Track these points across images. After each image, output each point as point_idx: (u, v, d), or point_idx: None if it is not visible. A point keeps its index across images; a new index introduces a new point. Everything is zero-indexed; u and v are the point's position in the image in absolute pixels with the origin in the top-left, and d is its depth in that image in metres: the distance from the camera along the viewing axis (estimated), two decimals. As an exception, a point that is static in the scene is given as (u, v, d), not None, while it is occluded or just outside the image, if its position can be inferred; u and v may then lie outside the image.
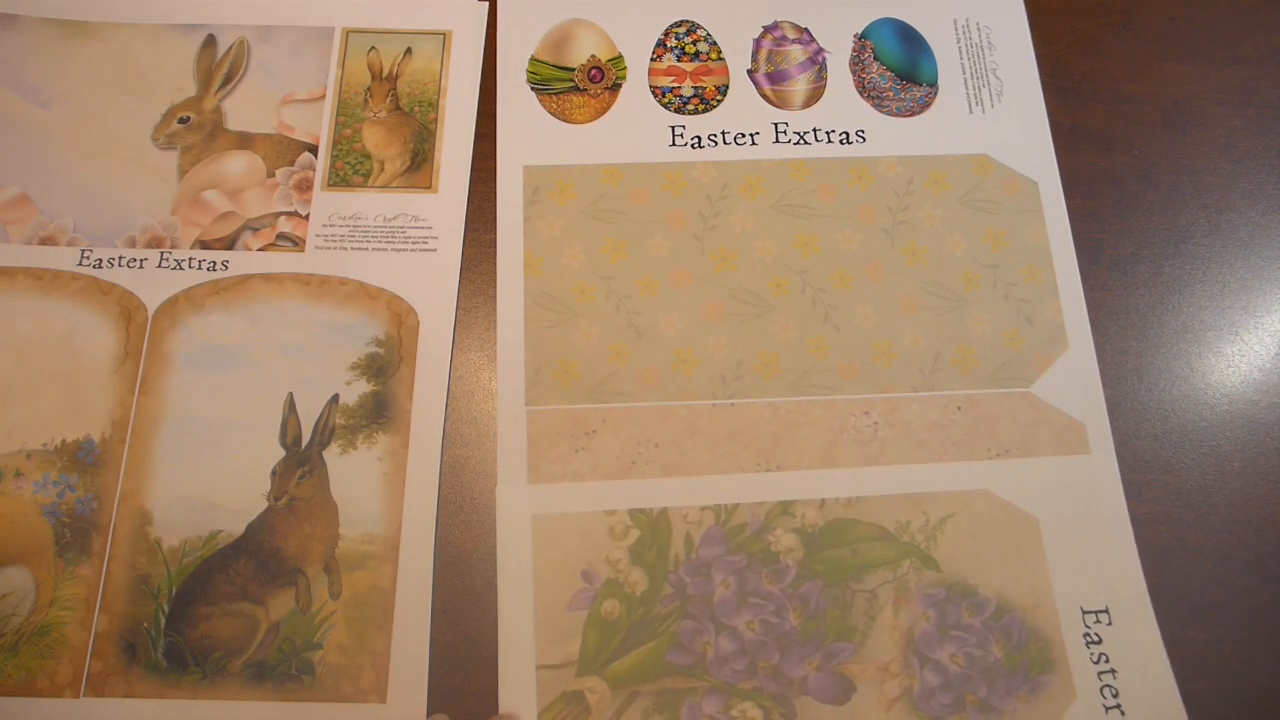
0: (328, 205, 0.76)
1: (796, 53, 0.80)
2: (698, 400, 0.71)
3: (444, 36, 0.80)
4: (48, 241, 0.74)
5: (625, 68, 0.79)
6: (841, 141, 0.77)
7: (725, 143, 0.77)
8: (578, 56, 0.79)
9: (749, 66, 0.80)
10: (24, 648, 0.66)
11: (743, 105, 0.79)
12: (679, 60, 0.79)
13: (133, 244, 0.74)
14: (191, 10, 0.81)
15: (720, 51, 0.80)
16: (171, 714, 0.64)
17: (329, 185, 0.76)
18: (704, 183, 0.76)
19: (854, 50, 0.80)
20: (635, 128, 0.78)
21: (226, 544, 0.68)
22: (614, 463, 0.69)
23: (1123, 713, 0.64)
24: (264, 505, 0.68)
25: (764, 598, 0.67)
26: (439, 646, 0.66)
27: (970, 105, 0.79)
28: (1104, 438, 0.71)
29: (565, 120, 0.77)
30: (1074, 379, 0.72)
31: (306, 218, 0.75)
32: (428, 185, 0.76)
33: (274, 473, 0.69)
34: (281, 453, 0.69)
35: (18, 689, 0.65)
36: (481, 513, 0.69)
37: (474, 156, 0.77)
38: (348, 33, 0.81)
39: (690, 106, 0.78)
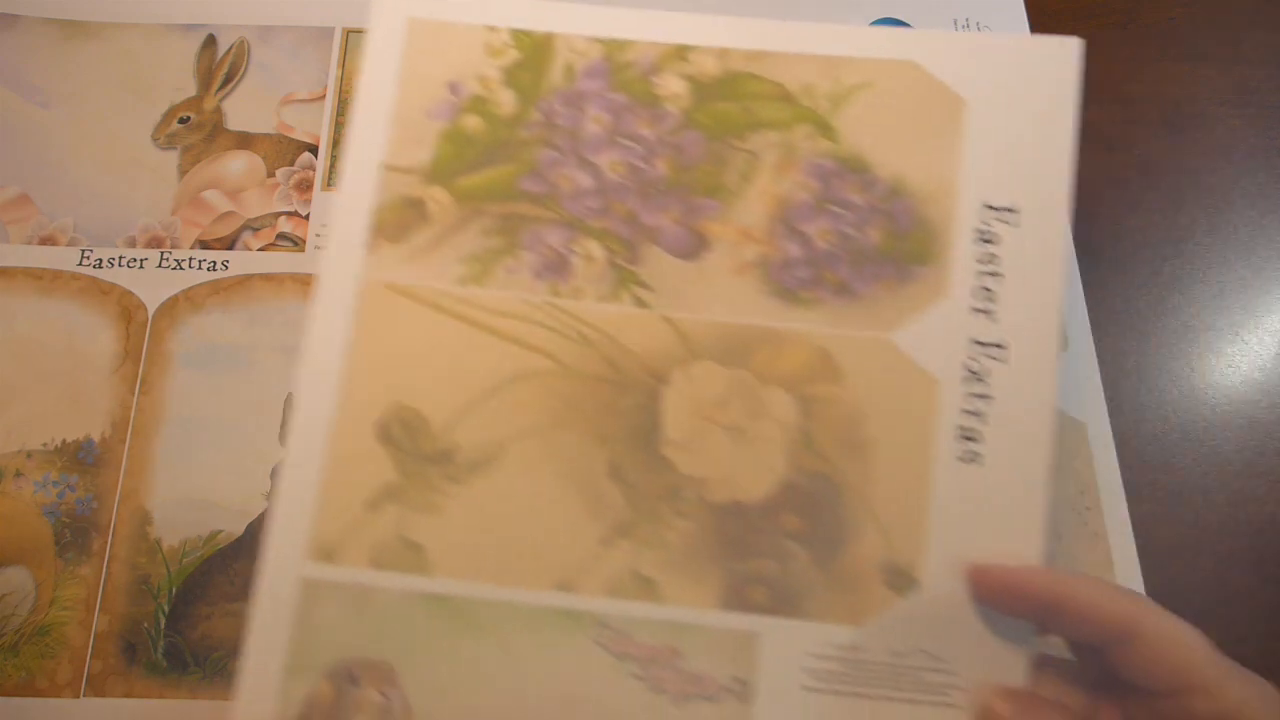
0: (328, 205, 0.76)
1: None
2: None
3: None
4: (48, 241, 0.74)
5: None
6: None
7: None
8: None
9: None
10: (24, 648, 0.66)
11: None
12: None
13: (133, 244, 0.75)
14: (191, 10, 0.81)
15: None
16: (171, 714, 0.64)
17: (329, 185, 0.76)
18: None
19: None
20: None
21: (226, 544, 0.68)
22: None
23: (994, 319, 0.58)
24: (264, 505, 0.68)
25: (636, 140, 0.62)
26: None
27: None
28: (1104, 436, 0.71)
29: None
30: (1074, 378, 0.72)
31: (307, 218, 0.75)
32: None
33: (274, 473, 0.69)
34: (282, 453, 0.68)
35: (18, 689, 0.65)
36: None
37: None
38: (348, 33, 0.81)
39: None
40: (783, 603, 0.55)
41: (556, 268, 0.60)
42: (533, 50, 0.63)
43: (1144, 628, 0.50)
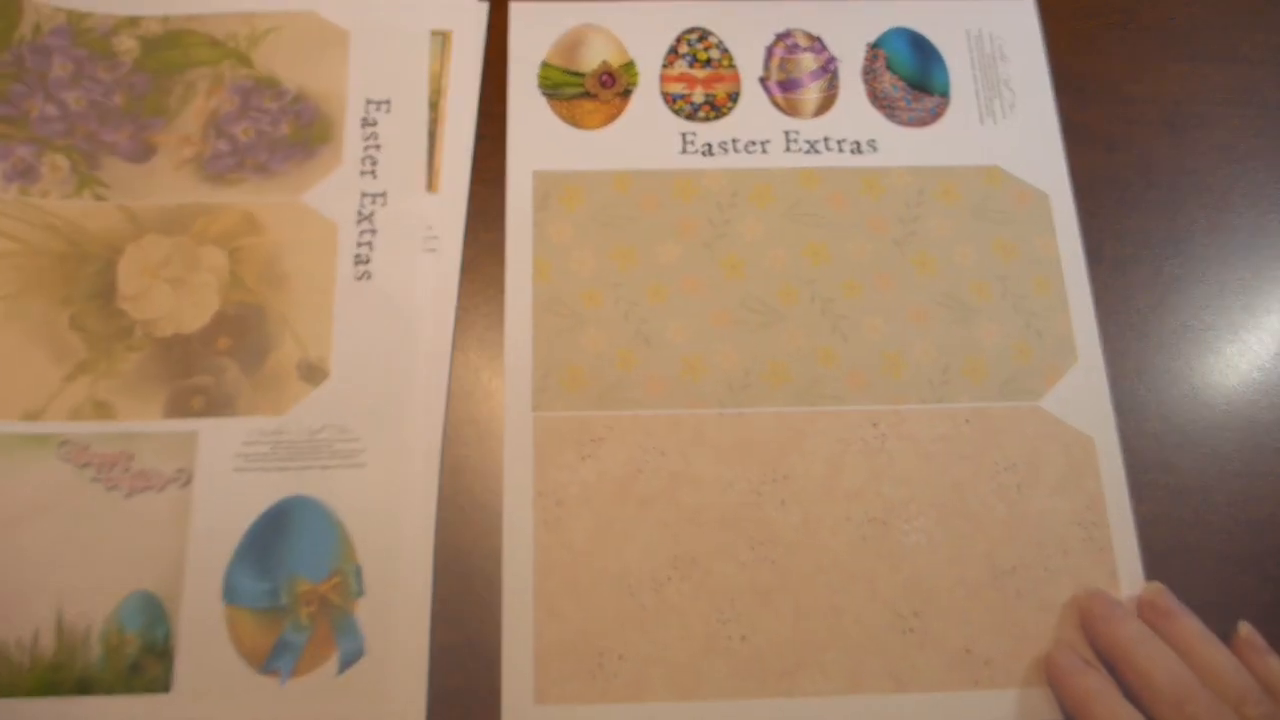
0: None
1: (808, 61, 0.78)
2: (705, 409, 0.69)
3: (444, 36, 0.78)
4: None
5: (637, 74, 0.77)
6: (853, 151, 0.75)
7: (736, 150, 0.75)
8: (589, 62, 0.77)
9: (760, 74, 0.77)
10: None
11: (754, 113, 0.76)
12: (690, 67, 0.77)
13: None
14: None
15: (732, 59, 0.78)
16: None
17: None
18: (714, 190, 0.74)
19: (866, 60, 0.78)
20: (646, 134, 0.76)
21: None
22: (621, 469, 0.68)
23: (375, 176, 0.73)
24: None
25: (96, 82, 0.75)
26: (438, 648, 0.64)
27: (982, 116, 0.77)
28: (1112, 451, 0.69)
29: (576, 126, 0.75)
30: (1083, 392, 0.70)
31: (306, 218, 0.77)
32: (428, 185, 0.75)
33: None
34: None
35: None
36: (483, 512, 0.67)
37: (475, 157, 0.76)
38: (345, 32, 0.82)
39: (701, 114, 0.76)
40: (218, 406, 0.68)
41: (26, 173, 0.72)
42: (3, 8, 0.76)
43: None
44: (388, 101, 0.76)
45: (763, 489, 0.67)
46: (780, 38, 0.78)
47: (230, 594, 0.64)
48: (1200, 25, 0.83)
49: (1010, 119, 0.77)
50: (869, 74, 0.78)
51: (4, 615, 0.63)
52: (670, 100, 0.76)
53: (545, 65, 0.77)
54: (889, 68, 0.78)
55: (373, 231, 0.72)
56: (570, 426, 0.68)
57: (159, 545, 0.64)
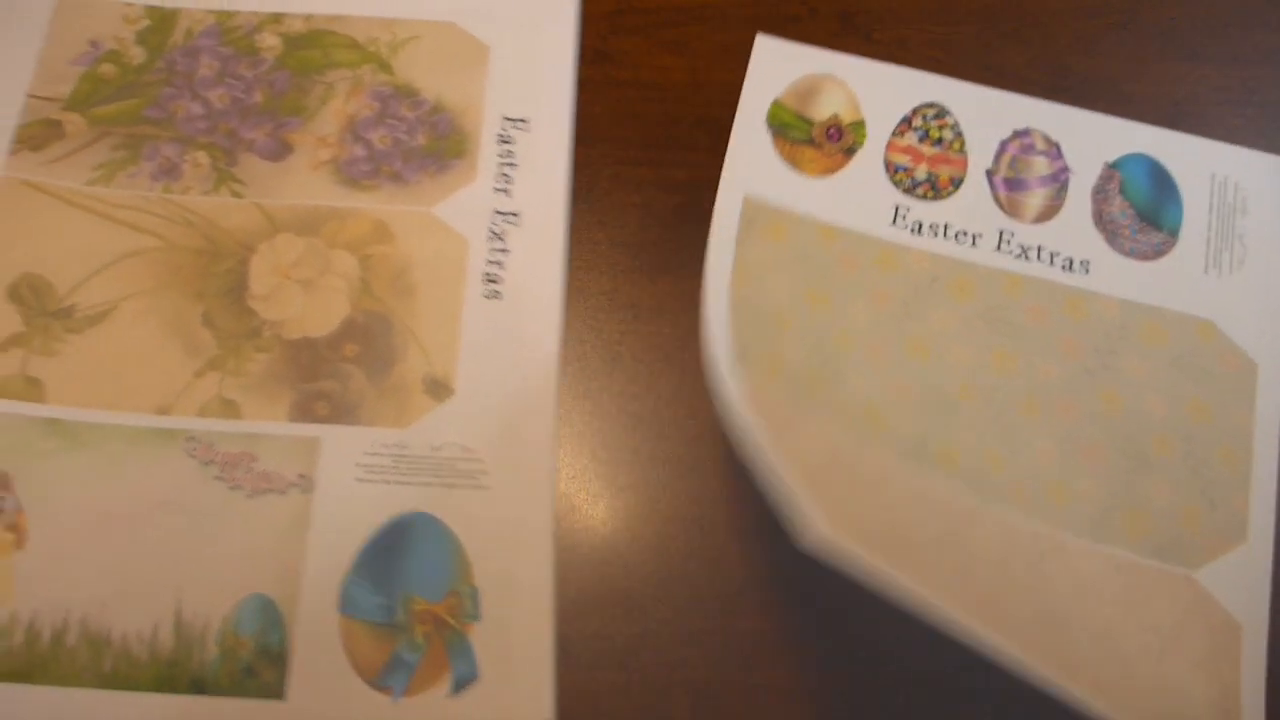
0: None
1: (1041, 165, 0.73)
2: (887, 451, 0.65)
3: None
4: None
5: (865, 135, 0.73)
6: (1064, 267, 0.70)
7: (946, 236, 0.70)
8: (821, 111, 0.73)
9: (989, 166, 0.73)
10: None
11: (973, 203, 0.72)
12: (920, 142, 0.73)
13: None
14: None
15: (964, 144, 0.73)
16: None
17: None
18: (915, 270, 0.69)
19: (1100, 178, 0.73)
20: (859, 196, 0.71)
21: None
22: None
23: (509, 195, 0.72)
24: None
25: (239, 79, 0.75)
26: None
27: (1207, 265, 0.71)
28: (1259, 642, 0.63)
29: (794, 168, 0.71)
30: (1243, 575, 0.64)
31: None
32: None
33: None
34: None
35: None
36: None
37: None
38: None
39: (919, 191, 0.72)
40: (341, 413, 0.67)
41: (169, 171, 0.72)
42: (160, 20, 0.77)
43: None
44: (525, 120, 0.75)
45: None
46: (1018, 134, 0.74)
47: (346, 605, 0.63)
48: (1200, 25, 0.81)
49: (1236, 275, 0.71)
50: (1099, 193, 0.73)
51: (127, 607, 0.62)
52: (891, 169, 0.72)
53: (777, 104, 0.73)
54: (1122, 192, 0.73)
55: (504, 251, 0.72)
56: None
57: (278, 549, 0.64)
